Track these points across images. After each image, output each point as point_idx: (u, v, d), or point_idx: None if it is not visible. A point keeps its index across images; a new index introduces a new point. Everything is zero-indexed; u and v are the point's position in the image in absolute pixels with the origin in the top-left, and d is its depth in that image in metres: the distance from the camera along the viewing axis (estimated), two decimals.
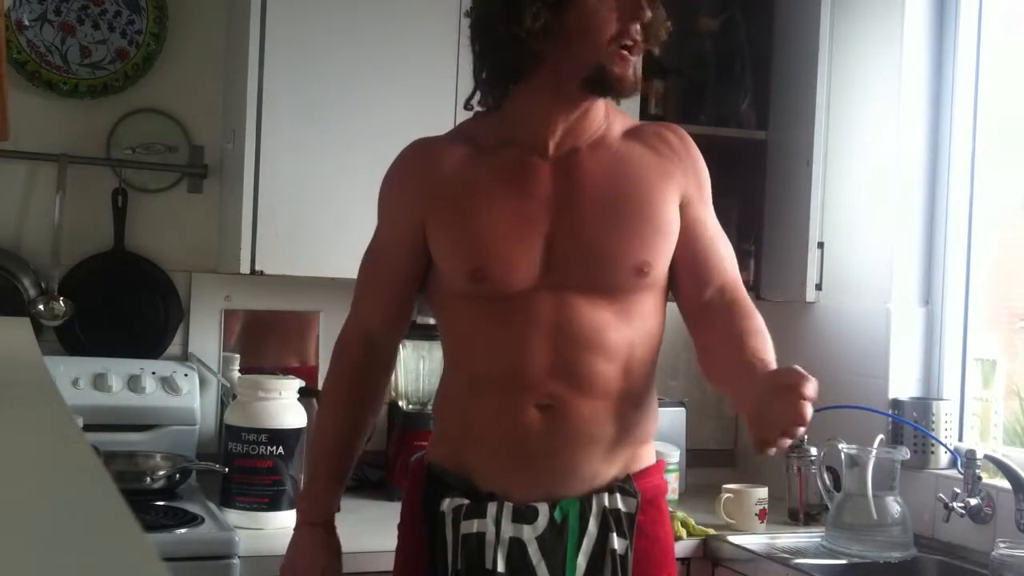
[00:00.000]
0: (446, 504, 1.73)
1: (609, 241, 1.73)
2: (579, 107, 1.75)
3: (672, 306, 1.85)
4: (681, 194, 1.79)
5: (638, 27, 1.68)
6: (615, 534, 1.72)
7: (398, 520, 1.89)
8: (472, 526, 1.71)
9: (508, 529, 1.71)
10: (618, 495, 1.74)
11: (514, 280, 1.73)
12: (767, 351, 1.70)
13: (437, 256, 1.79)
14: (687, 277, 1.81)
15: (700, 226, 1.81)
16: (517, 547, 1.71)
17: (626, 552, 1.72)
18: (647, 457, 1.83)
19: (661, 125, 1.91)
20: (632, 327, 1.75)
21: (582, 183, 1.75)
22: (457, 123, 1.94)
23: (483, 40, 1.74)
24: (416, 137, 1.88)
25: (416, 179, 1.81)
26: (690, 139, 1.86)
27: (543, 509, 1.72)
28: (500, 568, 1.69)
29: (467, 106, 1.84)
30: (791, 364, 1.59)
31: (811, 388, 1.54)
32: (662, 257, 1.77)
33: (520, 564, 1.70)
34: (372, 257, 1.89)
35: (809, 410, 1.54)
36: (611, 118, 1.81)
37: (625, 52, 1.68)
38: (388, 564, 1.90)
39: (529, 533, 1.71)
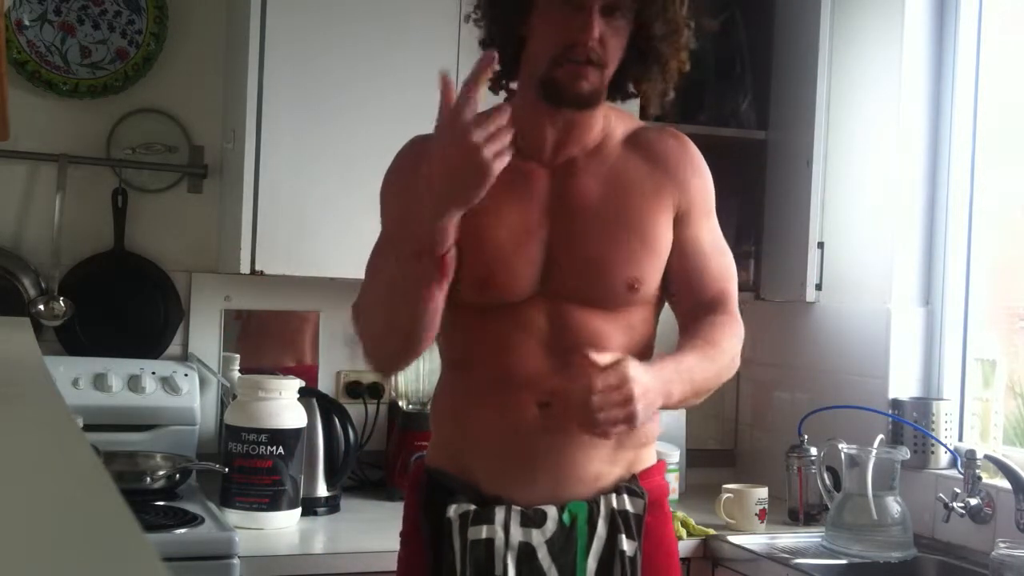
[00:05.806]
0: (452, 511, 1.70)
1: (603, 255, 1.73)
2: (558, 114, 1.72)
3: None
4: (674, 208, 1.77)
5: (591, 44, 1.64)
6: (624, 535, 1.71)
7: (399, 520, 1.87)
8: (480, 532, 1.69)
9: (517, 534, 1.69)
10: (625, 496, 1.73)
11: (517, 289, 1.72)
12: (694, 354, 1.67)
13: None
14: (679, 289, 1.80)
15: (692, 243, 1.79)
16: (526, 552, 1.69)
17: (635, 554, 1.71)
18: (649, 458, 1.82)
19: (665, 131, 1.86)
20: (626, 335, 1.74)
21: (579, 194, 1.74)
22: None
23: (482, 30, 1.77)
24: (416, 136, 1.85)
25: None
26: (692, 148, 1.82)
27: (552, 512, 1.70)
28: (510, 574, 1.68)
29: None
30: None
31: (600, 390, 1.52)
32: (653, 273, 1.75)
33: (530, 569, 1.68)
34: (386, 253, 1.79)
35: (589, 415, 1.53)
36: (613, 123, 1.78)
37: (574, 65, 1.65)
38: (389, 564, 1.90)
39: (538, 537, 1.69)
